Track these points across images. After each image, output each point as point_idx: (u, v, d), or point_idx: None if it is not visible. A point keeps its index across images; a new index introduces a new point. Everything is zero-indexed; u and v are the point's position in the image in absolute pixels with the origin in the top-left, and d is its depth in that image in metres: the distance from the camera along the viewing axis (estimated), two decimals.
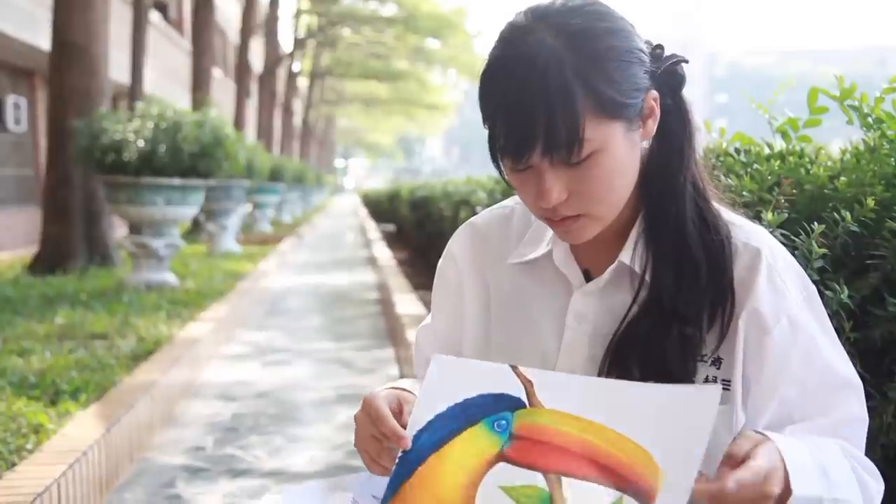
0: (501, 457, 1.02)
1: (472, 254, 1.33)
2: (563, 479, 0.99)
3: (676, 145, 1.15)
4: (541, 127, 1.02)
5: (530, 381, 1.05)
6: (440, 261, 1.38)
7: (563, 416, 1.02)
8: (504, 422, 1.04)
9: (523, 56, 1.04)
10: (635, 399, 1.01)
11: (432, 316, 1.40)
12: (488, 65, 1.09)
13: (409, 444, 1.10)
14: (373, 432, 1.13)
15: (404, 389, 1.22)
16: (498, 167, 1.12)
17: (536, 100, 1.02)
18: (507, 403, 1.05)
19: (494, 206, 1.37)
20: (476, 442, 1.04)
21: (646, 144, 1.15)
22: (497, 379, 1.06)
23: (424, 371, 1.19)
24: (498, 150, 1.08)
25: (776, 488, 0.96)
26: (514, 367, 1.06)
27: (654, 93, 1.11)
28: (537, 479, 1.00)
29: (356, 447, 1.18)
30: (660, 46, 1.16)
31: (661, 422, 0.98)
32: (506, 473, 1.02)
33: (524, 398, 1.04)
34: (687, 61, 1.17)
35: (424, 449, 1.07)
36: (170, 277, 7.19)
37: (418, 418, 1.09)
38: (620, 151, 1.08)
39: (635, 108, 1.08)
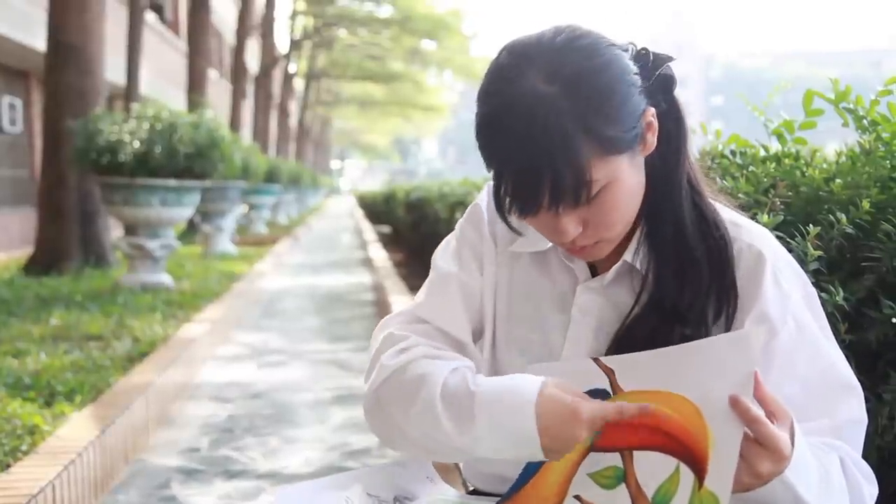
0: (592, 448, 1.07)
1: (490, 232, 1.31)
2: (635, 452, 1.03)
3: (674, 146, 1.16)
4: (547, 184, 1.03)
5: (611, 370, 1.08)
6: (461, 220, 1.34)
7: (638, 394, 1.05)
8: None
9: (521, 108, 1.02)
10: (686, 359, 1.03)
11: (460, 267, 1.28)
12: (484, 115, 1.07)
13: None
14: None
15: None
16: (502, 214, 1.12)
17: (540, 158, 1.01)
18: (596, 398, 1.08)
19: None
20: None
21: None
22: (587, 375, 1.09)
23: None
24: (505, 203, 1.09)
25: (784, 451, 0.97)
26: (595, 360, 1.09)
27: (652, 109, 1.10)
28: (616, 459, 1.05)
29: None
30: (644, 49, 1.14)
31: (705, 375, 1.00)
32: (593, 461, 1.07)
33: (608, 388, 1.08)
34: (672, 59, 1.15)
35: (538, 461, 1.11)
36: (165, 278, 7.18)
37: None
38: (627, 178, 1.09)
39: (637, 135, 1.08)
